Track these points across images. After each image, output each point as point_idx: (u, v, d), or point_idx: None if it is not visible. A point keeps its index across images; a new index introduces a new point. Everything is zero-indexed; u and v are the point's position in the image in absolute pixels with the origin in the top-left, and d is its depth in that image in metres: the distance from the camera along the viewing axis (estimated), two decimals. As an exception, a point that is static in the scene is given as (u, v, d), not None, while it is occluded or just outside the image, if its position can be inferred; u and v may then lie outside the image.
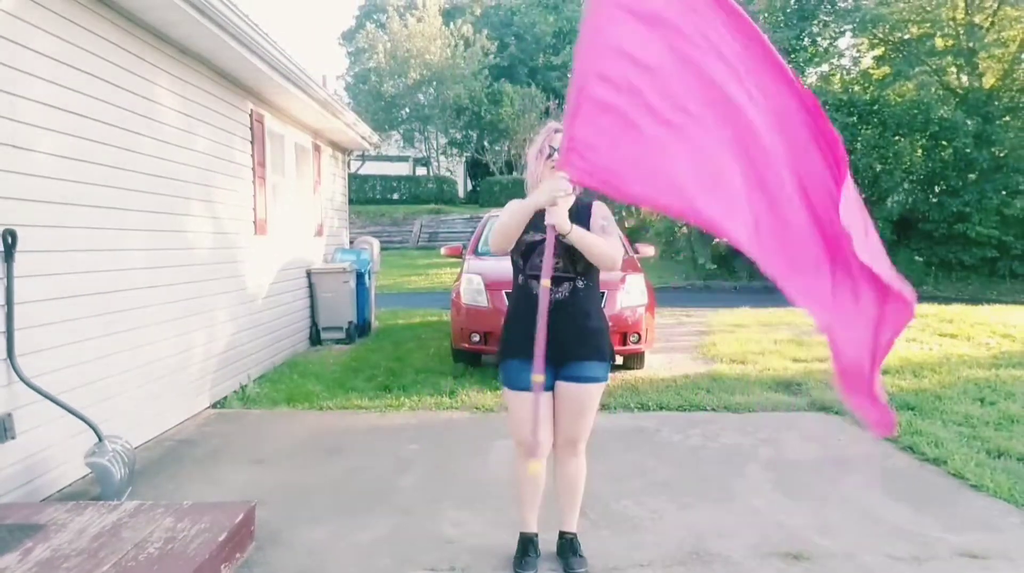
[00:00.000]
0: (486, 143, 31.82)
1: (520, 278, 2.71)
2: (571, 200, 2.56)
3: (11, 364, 3.19)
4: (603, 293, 6.15)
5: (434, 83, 30.32)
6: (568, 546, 2.81)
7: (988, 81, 16.57)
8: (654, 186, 2.12)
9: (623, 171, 2.16)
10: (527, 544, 2.81)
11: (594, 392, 2.71)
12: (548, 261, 2.40)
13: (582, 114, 2.21)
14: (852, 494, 3.55)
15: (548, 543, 2.86)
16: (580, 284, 2.67)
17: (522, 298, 2.67)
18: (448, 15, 32.49)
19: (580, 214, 2.68)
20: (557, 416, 2.72)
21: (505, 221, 2.62)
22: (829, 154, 2.11)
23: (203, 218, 5.18)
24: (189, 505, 2.95)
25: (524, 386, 2.61)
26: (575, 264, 2.64)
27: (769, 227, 2.04)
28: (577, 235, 2.54)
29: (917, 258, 16.03)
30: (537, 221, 2.59)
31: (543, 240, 2.49)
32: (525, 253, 2.66)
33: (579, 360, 2.67)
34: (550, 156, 2.63)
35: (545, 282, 2.38)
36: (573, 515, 2.84)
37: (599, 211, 2.73)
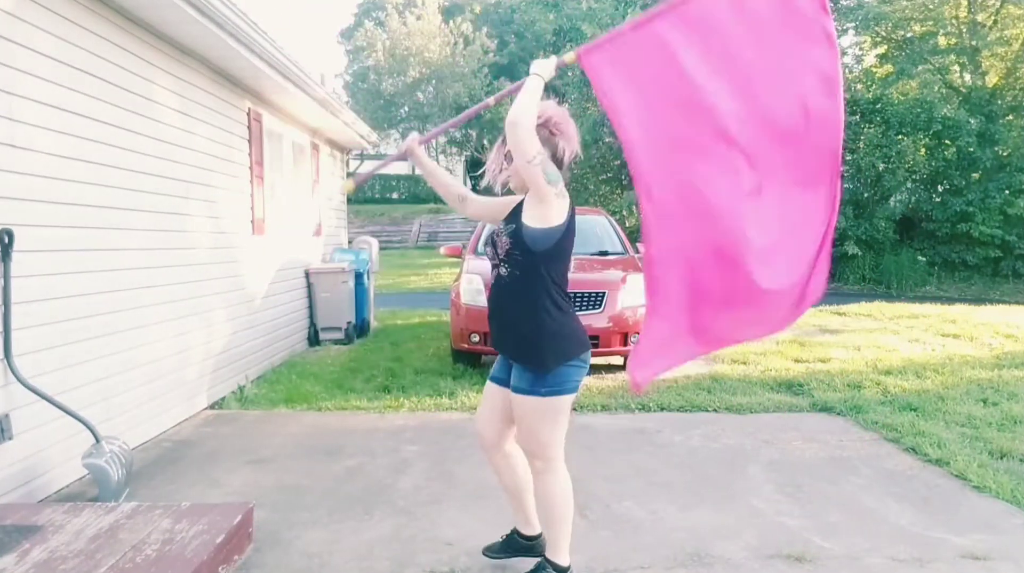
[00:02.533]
0: (486, 142, 31.79)
1: (493, 271, 2.53)
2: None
3: (8, 364, 3.17)
4: (603, 293, 6.21)
5: (433, 81, 30.32)
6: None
7: (991, 80, 16.53)
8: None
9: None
10: (508, 537, 2.78)
11: (520, 403, 2.40)
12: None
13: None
14: (854, 495, 3.53)
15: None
16: (503, 272, 2.44)
17: (493, 287, 2.53)
18: (447, 13, 32.47)
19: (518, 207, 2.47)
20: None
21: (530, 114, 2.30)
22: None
23: (201, 217, 5.17)
24: (187, 506, 2.93)
25: (490, 374, 2.65)
26: (495, 249, 2.45)
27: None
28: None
29: (920, 258, 16.00)
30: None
31: (491, 232, 2.53)
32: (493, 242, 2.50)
33: (513, 361, 2.48)
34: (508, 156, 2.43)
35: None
36: (546, 534, 2.58)
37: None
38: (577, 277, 7.01)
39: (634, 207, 18.89)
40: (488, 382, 2.65)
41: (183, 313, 4.87)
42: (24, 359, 3.25)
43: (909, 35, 16.89)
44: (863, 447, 4.28)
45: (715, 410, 5.12)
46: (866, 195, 16.48)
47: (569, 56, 2.44)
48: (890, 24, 16.36)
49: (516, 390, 2.44)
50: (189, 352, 4.96)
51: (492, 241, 2.49)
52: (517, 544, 2.75)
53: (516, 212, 2.45)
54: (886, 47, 17.75)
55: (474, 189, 3.06)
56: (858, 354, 6.99)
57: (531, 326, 2.38)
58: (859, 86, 17.19)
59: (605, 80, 2.27)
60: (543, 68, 2.37)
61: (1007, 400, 5.21)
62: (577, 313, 2.62)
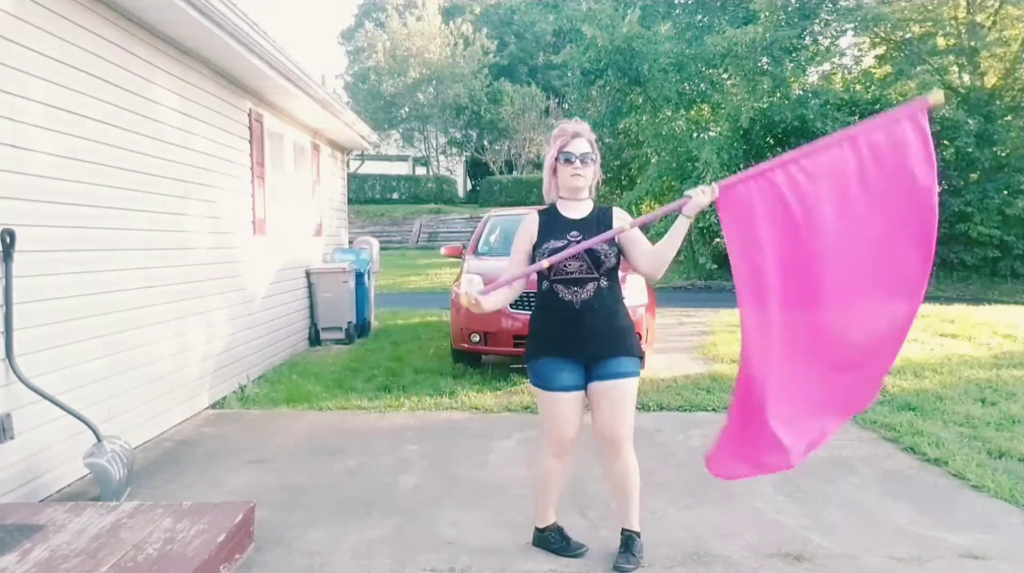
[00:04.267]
0: (486, 142, 31.84)
1: (544, 283, 2.73)
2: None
3: (10, 364, 3.18)
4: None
5: (433, 82, 30.33)
6: (625, 543, 2.84)
7: (990, 80, 16.54)
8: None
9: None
10: (559, 532, 2.90)
11: (628, 387, 2.71)
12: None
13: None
14: (853, 494, 3.54)
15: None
16: (604, 284, 2.68)
17: (549, 303, 2.71)
18: (448, 14, 32.49)
19: (602, 219, 2.73)
20: (596, 418, 2.75)
21: None
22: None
23: (202, 218, 5.18)
24: (188, 506, 2.94)
25: (559, 386, 2.71)
26: (598, 266, 2.66)
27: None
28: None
29: (918, 257, 16.00)
30: (556, 231, 2.70)
31: (565, 245, 2.64)
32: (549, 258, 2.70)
33: (610, 357, 2.70)
34: (570, 162, 2.68)
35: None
36: (631, 513, 2.84)
37: (621, 216, 2.75)
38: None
39: (634, 207, 18.91)
40: (564, 393, 2.72)
41: (184, 313, 4.88)
42: (26, 359, 3.26)
43: (908, 36, 16.89)
44: (862, 446, 4.29)
45: (714, 410, 5.13)
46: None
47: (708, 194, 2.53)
48: (889, 25, 16.35)
49: (625, 375, 2.70)
50: (190, 352, 4.97)
51: (590, 258, 2.64)
52: (625, 542, 2.85)
53: (602, 229, 2.66)
54: (885, 48, 17.75)
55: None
56: (857, 354, 6.98)
57: (628, 320, 2.77)
58: (858, 87, 17.19)
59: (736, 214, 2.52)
60: (694, 208, 2.55)
61: (1005, 400, 5.22)
62: None
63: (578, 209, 2.75)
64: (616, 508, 2.90)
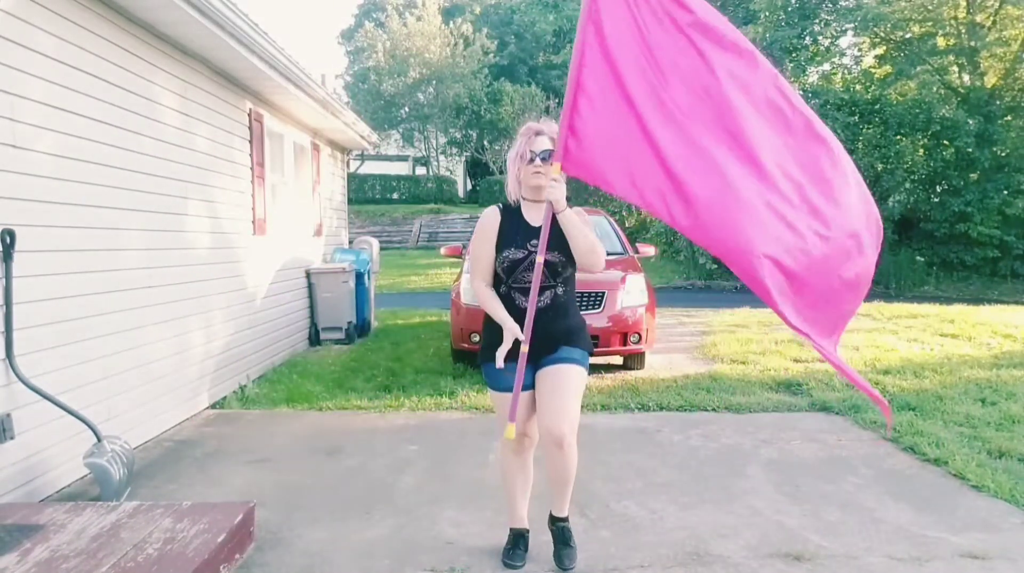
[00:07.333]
0: (486, 142, 31.78)
1: (503, 288, 2.71)
2: (562, 187, 2.54)
3: (10, 364, 3.18)
4: (603, 293, 6.22)
5: (433, 82, 30.30)
6: (560, 534, 2.82)
7: (990, 80, 16.55)
8: (641, 187, 2.39)
9: (613, 169, 2.42)
10: (517, 538, 2.85)
11: (574, 375, 2.66)
12: (544, 240, 2.54)
13: (579, 109, 2.44)
14: (853, 494, 3.54)
15: (539, 545, 2.85)
16: (560, 291, 2.70)
17: (506, 307, 2.68)
18: (448, 14, 32.47)
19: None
20: (540, 408, 2.67)
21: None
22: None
23: (202, 218, 5.17)
24: (188, 506, 2.94)
25: (507, 386, 2.66)
26: (556, 276, 2.67)
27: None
28: (570, 217, 2.56)
29: (918, 258, 16.02)
30: (517, 238, 2.67)
31: (525, 257, 2.63)
32: (508, 269, 2.68)
33: (557, 348, 2.70)
34: (531, 161, 2.66)
35: (540, 258, 2.54)
36: (565, 502, 2.82)
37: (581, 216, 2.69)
38: (577, 277, 7.05)
39: (634, 207, 18.93)
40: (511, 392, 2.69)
41: (184, 313, 4.88)
42: (26, 359, 3.26)
43: (908, 36, 16.92)
44: (862, 446, 4.29)
45: (714, 410, 5.13)
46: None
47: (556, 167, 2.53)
48: (889, 25, 16.38)
49: (571, 361, 2.68)
50: (190, 352, 4.97)
51: (548, 269, 2.62)
52: (560, 533, 2.84)
53: (551, 238, 2.56)
54: (885, 48, 17.78)
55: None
56: (857, 354, 7.00)
57: (579, 319, 2.82)
58: (858, 87, 17.23)
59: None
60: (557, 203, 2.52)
61: (1005, 400, 5.22)
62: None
63: (540, 212, 2.67)
64: (549, 493, 2.84)
